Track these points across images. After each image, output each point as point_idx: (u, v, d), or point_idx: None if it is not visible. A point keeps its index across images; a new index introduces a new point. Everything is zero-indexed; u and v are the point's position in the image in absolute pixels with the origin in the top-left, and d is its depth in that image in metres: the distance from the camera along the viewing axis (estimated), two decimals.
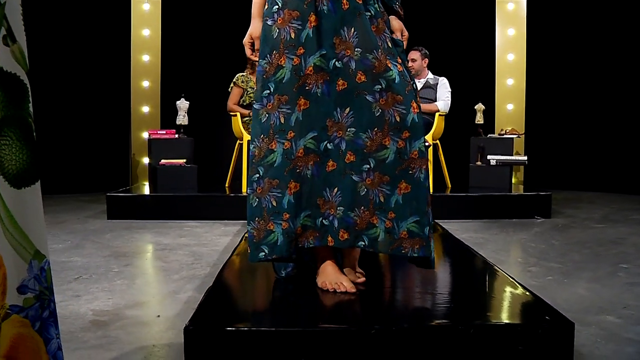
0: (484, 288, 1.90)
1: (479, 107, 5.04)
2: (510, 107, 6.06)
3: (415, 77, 4.84)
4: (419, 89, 4.70)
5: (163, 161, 4.71)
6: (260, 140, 1.77)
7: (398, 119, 1.67)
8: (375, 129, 1.68)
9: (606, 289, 2.39)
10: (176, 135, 4.86)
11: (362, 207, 1.69)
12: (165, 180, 4.69)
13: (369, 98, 1.68)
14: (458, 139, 5.52)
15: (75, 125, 6.04)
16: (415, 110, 1.69)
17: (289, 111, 1.73)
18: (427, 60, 4.76)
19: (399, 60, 1.73)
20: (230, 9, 5.93)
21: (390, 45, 1.74)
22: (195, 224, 4.15)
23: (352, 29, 1.70)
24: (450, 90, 4.71)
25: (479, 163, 4.87)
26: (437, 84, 4.72)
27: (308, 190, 1.73)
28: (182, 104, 4.90)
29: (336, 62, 1.71)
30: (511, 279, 1.90)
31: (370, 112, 1.68)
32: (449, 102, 4.67)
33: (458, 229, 3.91)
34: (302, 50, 1.72)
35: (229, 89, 4.72)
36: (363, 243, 1.70)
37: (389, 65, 1.68)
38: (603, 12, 6.17)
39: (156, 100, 6.01)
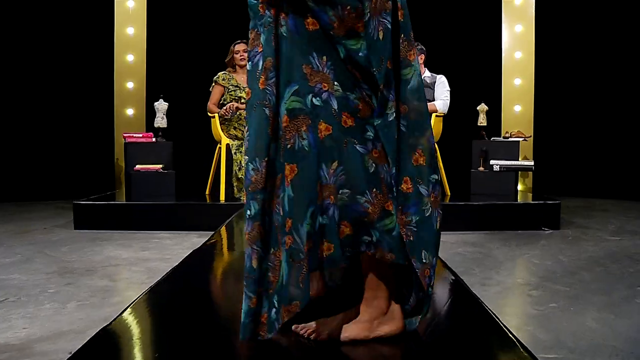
0: (448, 333, 1.44)
1: (482, 108, 4.63)
2: (517, 108, 5.65)
3: None
4: None
5: (138, 167, 4.36)
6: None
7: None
8: (374, 189, 1.27)
9: (622, 321, 1.99)
10: (154, 139, 4.52)
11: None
12: (140, 187, 4.34)
13: (359, 149, 1.27)
14: (459, 142, 5.11)
15: (58, 129, 5.74)
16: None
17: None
18: (423, 56, 4.37)
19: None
20: (222, 3, 5.61)
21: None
22: (166, 234, 3.79)
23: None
24: (449, 89, 4.32)
25: (481, 168, 4.46)
26: (435, 82, 4.32)
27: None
28: (160, 106, 4.56)
29: (313, 99, 1.27)
30: (494, 319, 1.47)
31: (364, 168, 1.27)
32: (448, 101, 4.28)
33: (456, 241, 3.52)
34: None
35: (210, 88, 4.37)
36: None
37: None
38: (617, 5, 5.74)
39: (141, 102, 5.68)
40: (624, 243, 3.43)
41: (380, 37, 1.26)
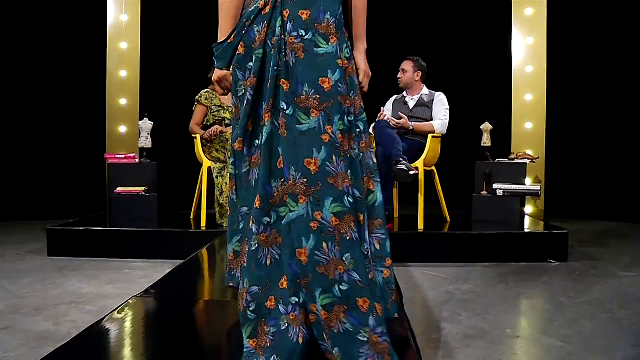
0: None
1: (486, 127, 4.31)
2: (528, 125, 5.30)
3: (406, 90, 4.16)
4: (411, 107, 4.04)
5: (119, 189, 4.16)
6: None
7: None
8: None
9: None
10: (137, 160, 4.31)
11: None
12: (121, 211, 4.14)
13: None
14: (464, 163, 4.80)
15: (50, 147, 5.60)
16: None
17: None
18: (420, 73, 4.07)
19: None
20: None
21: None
22: (140, 264, 3.56)
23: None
24: (448, 107, 4.01)
25: (484, 192, 4.13)
26: (433, 100, 4.02)
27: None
28: (145, 125, 4.36)
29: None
30: None
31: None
32: (447, 121, 3.97)
33: (449, 276, 3.21)
34: None
35: (193, 108, 4.14)
36: None
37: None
38: (634, 17, 5.38)
39: (134, 120, 5.48)
40: (637, 281, 3.07)
41: None
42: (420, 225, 3.69)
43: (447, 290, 2.92)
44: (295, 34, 1.52)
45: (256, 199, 1.50)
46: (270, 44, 1.54)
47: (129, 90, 5.52)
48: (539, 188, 3.99)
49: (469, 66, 6.47)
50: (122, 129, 5.49)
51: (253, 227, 1.49)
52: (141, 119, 4.46)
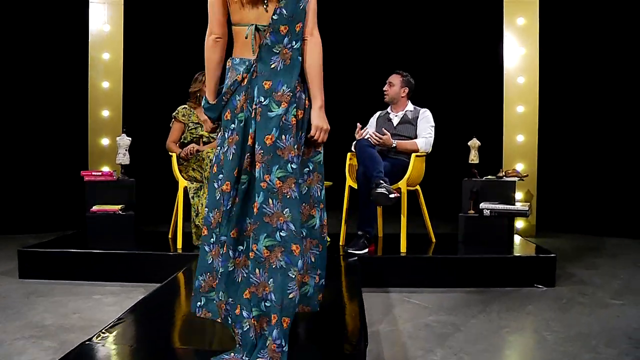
0: None
1: (473, 143, 4.18)
2: (520, 138, 5.17)
3: (391, 106, 4.03)
4: (395, 124, 3.91)
5: (95, 208, 4.04)
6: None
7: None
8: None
9: None
10: (115, 177, 4.19)
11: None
12: (97, 231, 4.01)
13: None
14: (452, 180, 4.67)
15: (31, 160, 5.47)
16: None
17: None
18: (407, 90, 3.94)
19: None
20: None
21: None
22: (114, 288, 3.44)
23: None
24: (433, 124, 3.88)
25: (471, 212, 4.00)
26: (418, 117, 3.89)
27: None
28: (123, 141, 4.23)
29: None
30: None
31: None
32: (432, 139, 3.84)
33: (431, 304, 3.09)
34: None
35: (170, 124, 4.02)
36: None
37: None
38: (628, 28, 5.25)
39: (117, 132, 5.36)
40: (626, 312, 2.94)
41: None
42: (403, 249, 3.56)
43: (426, 322, 2.79)
44: (257, 100, 1.88)
45: (234, 230, 1.91)
46: (249, 109, 1.90)
47: (111, 101, 5.40)
48: (527, 208, 3.86)
49: (459, 77, 6.37)
50: (105, 141, 5.37)
51: (229, 252, 1.91)
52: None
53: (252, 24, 1.88)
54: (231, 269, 1.90)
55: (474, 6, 6.01)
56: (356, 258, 3.44)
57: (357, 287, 2.83)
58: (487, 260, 3.47)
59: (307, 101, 1.95)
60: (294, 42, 1.89)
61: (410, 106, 3.97)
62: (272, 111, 1.85)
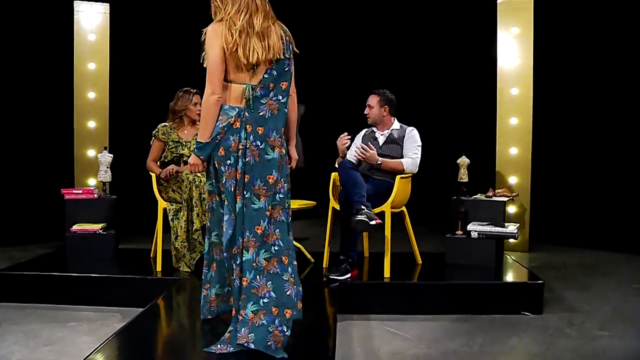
0: None
1: (462, 161, 4.08)
2: (514, 151, 5.06)
3: (375, 127, 3.93)
4: (381, 143, 3.82)
5: (75, 227, 3.96)
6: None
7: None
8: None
9: None
10: (95, 195, 4.11)
11: None
12: (76, 251, 3.93)
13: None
14: (442, 197, 4.56)
15: (16, 170, 5.39)
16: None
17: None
18: (387, 108, 3.82)
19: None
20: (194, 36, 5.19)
21: None
22: (90, 313, 3.37)
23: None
24: (420, 144, 3.77)
25: (459, 232, 3.90)
26: (404, 136, 3.79)
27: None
28: (104, 158, 4.15)
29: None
30: None
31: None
32: (418, 160, 3.73)
33: (412, 334, 3.00)
34: None
35: (151, 142, 3.93)
36: None
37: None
38: (622, 39, 5.13)
39: (104, 143, 5.28)
40: (613, 345, 2.85)
41: None
42: (387, 273, 3.47)
43: (404, 356, 2.70)
44: (254, 143, 2.30)
45: (234, 247, 2.36)
46: (242, 148, 2.30)
47: (97, 112, 5.32)
48: (516, 231, 3.75)
49: (452, 89, 6.27)
50: (91, 152, 5.29)
51: (234, 265, 2.36)
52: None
53: (246, 83, 2.30)
54: (237, 280, 2.37)
55: (468, 17, 5.91)
56: (337, 284, 3.35)
57: (333, 321, 2.74)
58: (473, 286, 3.37)
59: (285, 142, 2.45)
60: (279, 96, 2.34)
61: (396, 124, 3.87)
62: (268, 154, 2.32)
